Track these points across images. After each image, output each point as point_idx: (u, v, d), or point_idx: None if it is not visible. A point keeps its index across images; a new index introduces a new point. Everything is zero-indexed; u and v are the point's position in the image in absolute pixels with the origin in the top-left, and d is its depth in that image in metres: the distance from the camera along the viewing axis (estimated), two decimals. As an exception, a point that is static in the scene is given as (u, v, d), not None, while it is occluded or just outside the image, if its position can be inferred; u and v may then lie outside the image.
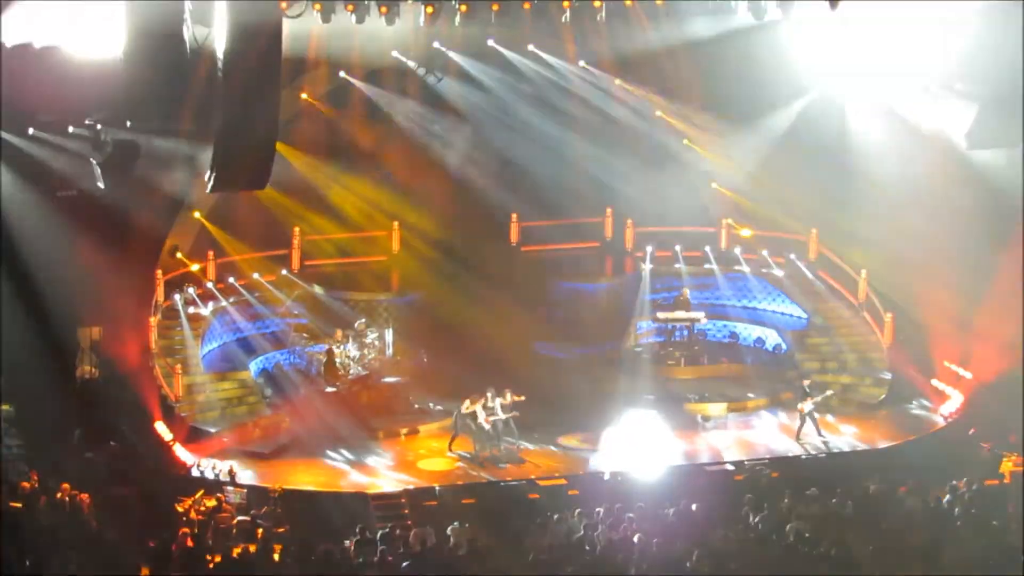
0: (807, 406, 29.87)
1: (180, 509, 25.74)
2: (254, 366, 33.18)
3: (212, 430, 29.72)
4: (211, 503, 25.99)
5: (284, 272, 34.71)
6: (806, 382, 30.62)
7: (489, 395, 29.25)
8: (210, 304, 33.24)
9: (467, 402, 29.21)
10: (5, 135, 28.94)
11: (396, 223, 36.05)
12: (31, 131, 29.29)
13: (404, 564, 21.55)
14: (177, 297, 32.70)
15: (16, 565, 20.93)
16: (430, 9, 28.63)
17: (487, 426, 29.05)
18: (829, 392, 30.78)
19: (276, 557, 22.41)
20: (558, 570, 21.16)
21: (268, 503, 26.07)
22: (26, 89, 27.34)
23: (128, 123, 28.06)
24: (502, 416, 29.15)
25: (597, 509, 24.43)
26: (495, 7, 29.48)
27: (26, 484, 25.80)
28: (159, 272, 32.53)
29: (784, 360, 35.02)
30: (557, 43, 35.91)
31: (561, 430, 30.70)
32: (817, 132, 35.77)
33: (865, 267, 34.64)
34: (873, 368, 33.66)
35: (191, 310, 32.74)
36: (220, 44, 24.53)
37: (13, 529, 22.92)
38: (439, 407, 31.91)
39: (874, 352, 34.04)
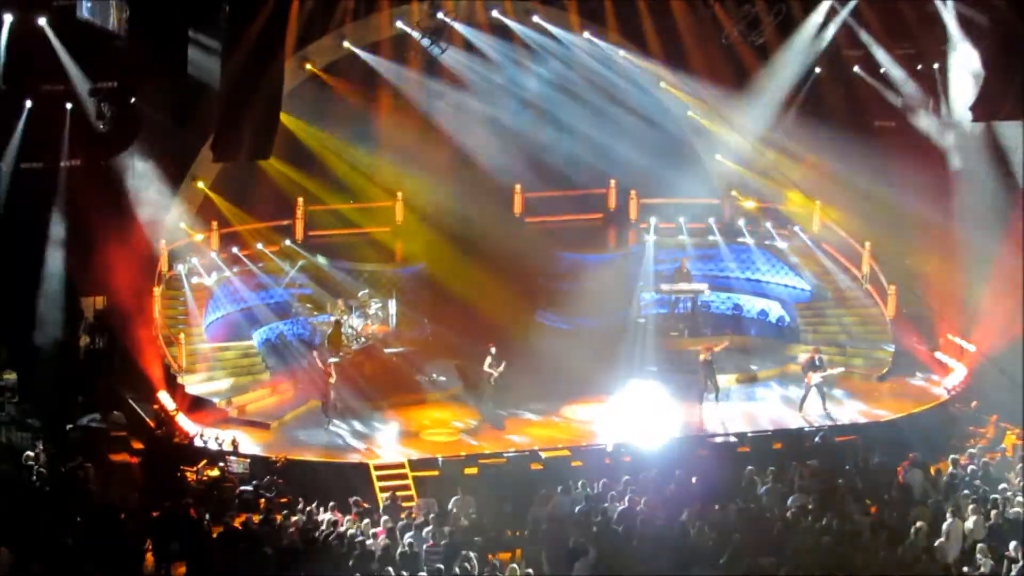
0: (816, 378, 29.76)
1: (183, 479, 25.82)
2: (257, 336, 33.16)
3: (215, 400, 29.68)
4: (214, 473, 26.05)
5: (288, 243, 34.62)
6: (818, 355, 30.25)
7: (492, 351, 29.37)
8: (214, 274, 33.19)
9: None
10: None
11: (400, 194, 36.01)
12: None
13: (407, 534, 21.60)
14: (181, 267, 32.67)
15: (21, 534, 20.97)
16: None
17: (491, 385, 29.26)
18: (840, 369, 30.63)
19: (278, 527, 22.45)
20: (560, 541, 21.19)
21: (271, 473, 26.10)
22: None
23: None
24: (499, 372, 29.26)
25: (600, 481, 24.49)
26: None
27: (31, 453, 25.94)
28: (163, 242, 32.48)
29: (787, 332, 34.97)
30: (561, 14, 35.79)
31: (564, 401, 30.70)
32: (821, 106, 35.84)
33: (869, 240, 34.54)
34: (876, 340, 33.58)
35: (195, 280, 32.69)
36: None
37: (17, 498, 23.02)
38: (442, 377, 31.90)
39: (877, 324, 33.97)
